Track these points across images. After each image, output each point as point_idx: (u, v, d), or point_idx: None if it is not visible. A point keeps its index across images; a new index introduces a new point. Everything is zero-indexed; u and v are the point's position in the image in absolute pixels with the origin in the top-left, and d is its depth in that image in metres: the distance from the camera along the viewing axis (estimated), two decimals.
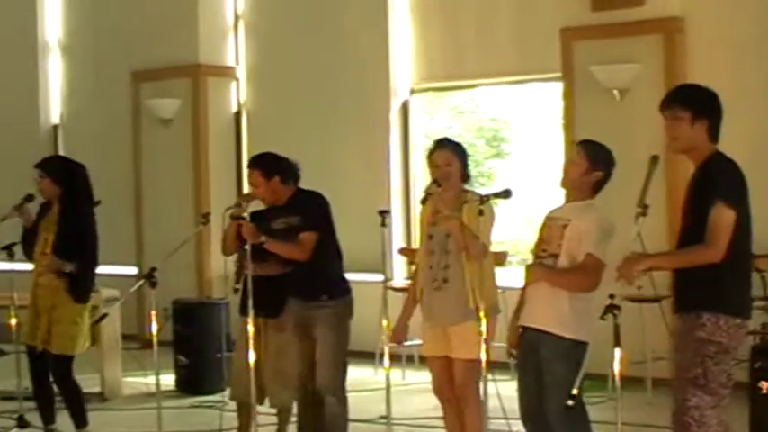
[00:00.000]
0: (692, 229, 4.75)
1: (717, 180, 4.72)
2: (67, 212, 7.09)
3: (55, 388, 7.30)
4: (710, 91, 4.97)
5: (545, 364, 5.23)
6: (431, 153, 6.01)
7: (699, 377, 4.65)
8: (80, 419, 7.22)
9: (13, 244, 7.34)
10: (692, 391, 4.65)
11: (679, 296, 4.89)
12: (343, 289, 6.49)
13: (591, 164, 5.34)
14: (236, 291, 6.53)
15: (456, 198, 5.86)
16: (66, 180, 7.15)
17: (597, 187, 5.39)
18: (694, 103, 4.85)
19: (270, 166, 6.61)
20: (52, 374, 7.20)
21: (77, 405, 7.23)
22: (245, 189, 11.81)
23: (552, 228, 5.35)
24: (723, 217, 4.61)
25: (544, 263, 5.33)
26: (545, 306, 5.28)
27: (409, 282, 6.39)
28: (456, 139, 6.24)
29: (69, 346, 7.09)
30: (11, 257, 7.30)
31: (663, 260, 4.92)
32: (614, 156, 5.42)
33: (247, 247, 6.29)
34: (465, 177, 5.97)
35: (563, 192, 5.57)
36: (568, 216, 5.31)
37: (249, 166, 6.69)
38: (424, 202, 5.90)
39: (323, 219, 6.53)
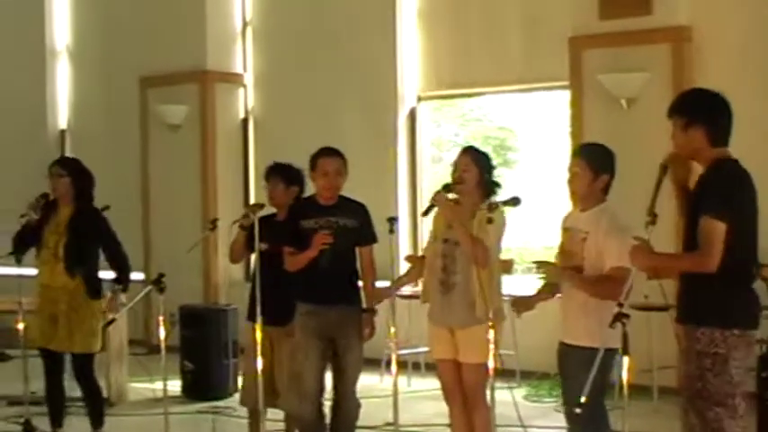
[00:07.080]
0: (691, 235, 4.69)
1: (705, 191, 4.65)
2: (84, 214, 7.12)
3: (68, 392, 7.34)
4: (710, 94, 4.85)
5: (572, 372, 5.24)
6: (456, 158, 6.08)
7: (702, 390, 4.61)
8: (97, 420, 7.26)
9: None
10: (705, 405, 4.60)
11: (679, 305, 4.85)
12: None
13: (595, 171, 5.32)
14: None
15: (473, 206, 5.88)
16: (82, 182, 7.19)
17: (607, 189, 5.40)
18: (687, 109, 4.77)
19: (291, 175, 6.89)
20: (77, 375, 7.22)
21: (98, 405, 7.28)
22: (252, 196, 12.02)
23: (573, 241, 5.35)
24: (711, 229, 4.52)
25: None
26: (574, 320, 5.33)
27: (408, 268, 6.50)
28: (482, 149, 6.27)
29: (93, 343, 7.15)
30: (18, 262, 7.30)
31: (665, 260, 4.89)
32: (613, 152, 5.41)
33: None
34: (483, 187, 5.94)
35: (570, 200, 5.56)
36: (586, 228, 5.30)
37: (273, 174, 6.90)
38: (426, 213, 5.95)
39: None
